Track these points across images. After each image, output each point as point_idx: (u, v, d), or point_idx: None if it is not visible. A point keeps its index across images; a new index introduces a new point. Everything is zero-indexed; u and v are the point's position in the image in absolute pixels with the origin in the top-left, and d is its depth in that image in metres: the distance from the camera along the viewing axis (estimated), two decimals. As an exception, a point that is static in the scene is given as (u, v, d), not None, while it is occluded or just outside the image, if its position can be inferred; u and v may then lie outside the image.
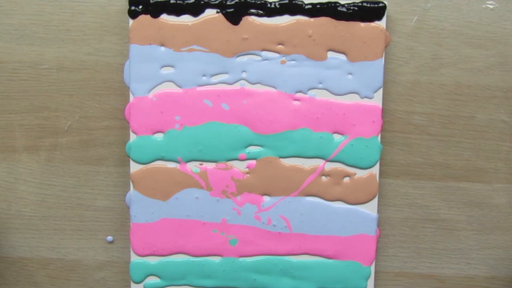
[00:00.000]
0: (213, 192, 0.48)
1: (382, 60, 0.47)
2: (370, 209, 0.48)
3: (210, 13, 0.46)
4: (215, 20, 0.46)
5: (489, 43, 0.48)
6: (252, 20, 0.46)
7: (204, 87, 0.47)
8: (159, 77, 0.47)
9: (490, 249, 0.51)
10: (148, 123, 0.47)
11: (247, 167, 0.48)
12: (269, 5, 0.46)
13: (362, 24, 0.46)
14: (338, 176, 0.48)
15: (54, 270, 0.51)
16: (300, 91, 0.47)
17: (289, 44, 0.47)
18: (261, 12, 0.46)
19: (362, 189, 0.48)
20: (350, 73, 0.47)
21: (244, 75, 0.47)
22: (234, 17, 0.46)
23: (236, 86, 0.47)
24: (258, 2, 0.46)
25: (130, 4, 0.46)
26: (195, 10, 0.46)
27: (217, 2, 0.46)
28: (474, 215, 0.50)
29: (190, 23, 0.46)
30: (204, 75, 0.47)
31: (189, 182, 0.48)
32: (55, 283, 0.51)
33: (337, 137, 0.48)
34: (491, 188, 0.50)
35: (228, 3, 0.46)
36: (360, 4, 0.46)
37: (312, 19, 0.46)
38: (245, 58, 0.47)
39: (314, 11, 0.46)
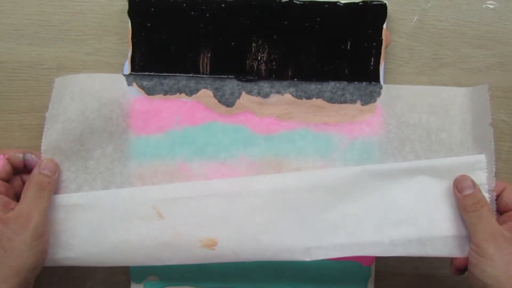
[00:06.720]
0: (213, 192, 0.48)
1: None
2: (370, 209, 0.48)
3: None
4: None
5: (489, 43, 0.48)
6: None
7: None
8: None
9: (490, 249, 0.50)
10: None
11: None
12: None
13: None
14: (338, 176, 0.48)
15: (54, 270, 0.51)
16: (300, 91, 0.47)
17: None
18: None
19: (362, 189, 0.48)
20: (350, 73, 0.47)
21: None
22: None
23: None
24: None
25: (130, 4, 0.46)
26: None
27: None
28: (474, 215, 0.50)
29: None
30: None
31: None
32: (55, 283, 0.51)
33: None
34: (491, 188, 0.50)
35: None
36: (360, 4, 0.46)
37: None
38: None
39: (313, 11, 0.46)
